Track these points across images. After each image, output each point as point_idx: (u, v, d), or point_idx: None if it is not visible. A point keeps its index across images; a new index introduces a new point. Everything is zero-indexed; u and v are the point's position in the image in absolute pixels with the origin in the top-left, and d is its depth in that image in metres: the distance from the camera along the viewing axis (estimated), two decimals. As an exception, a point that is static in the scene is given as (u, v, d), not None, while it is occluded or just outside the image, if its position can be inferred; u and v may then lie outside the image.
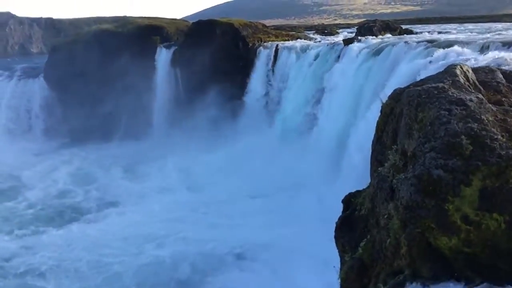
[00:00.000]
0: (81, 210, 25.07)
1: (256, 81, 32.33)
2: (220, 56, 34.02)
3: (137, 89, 35.27)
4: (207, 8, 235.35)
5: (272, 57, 31.91)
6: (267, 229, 20.23)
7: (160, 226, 21.75)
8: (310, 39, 37.59)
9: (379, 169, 6.31)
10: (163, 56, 37.45)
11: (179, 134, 32.28)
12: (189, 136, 31.17)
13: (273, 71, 31.47)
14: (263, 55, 32.81)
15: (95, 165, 31.89)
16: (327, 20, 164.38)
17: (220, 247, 19.35)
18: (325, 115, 25.40)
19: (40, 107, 38.48)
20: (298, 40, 35.73)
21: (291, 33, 41.02)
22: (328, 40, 34.42)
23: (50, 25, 60.96)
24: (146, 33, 39.44)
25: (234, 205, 23.35)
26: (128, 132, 33.69)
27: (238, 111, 31.84)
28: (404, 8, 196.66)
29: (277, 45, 32.49)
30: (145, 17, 53.87)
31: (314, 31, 48.23)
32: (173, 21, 49.77)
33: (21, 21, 59.98)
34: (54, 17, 67.63)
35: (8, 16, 59.99)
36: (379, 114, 7.70)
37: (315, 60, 28.52)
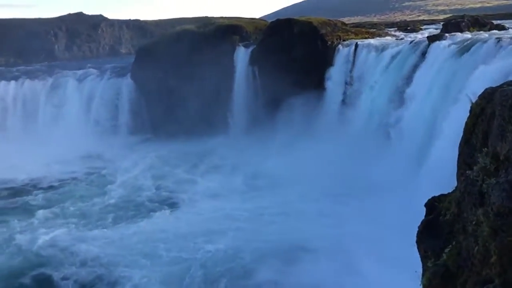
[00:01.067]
0: (154, 205, 26.30)
1: (335, 80, 31.92)
2: (298, 55, 34.00)
3: (216, 87, 36.29)
4: (286, 7, 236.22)
5: (351, 56, 31.33)
6: (337, 228, 20.08)
7: (227, 224, 22.38)
8: (392, 36, 36.43)
9: (467, 172, 5.99)
10: (241, 54, 38.12)
11: (256, 132, 32.77)
12: (265, 135, 31.55)
13: (352, 69, 30.89)
14: (342, 53, 32.30)
15: (174, 161, 33.29)
16: (410, 16, 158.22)
17: (286, 243, 19.53)
18: (406, 115, 24.52)
19: (126, 104, 40.89)
20: (379, 37, 34.78)
21: (371, 30, 39.98)
22: (410, 37, 33.11)
23: (138, 27, 64.51)
24: (226, 33, 40.38)
25: (305, 205, 23.31)
26: (207, 130, 34.75)
27: (315, 110, 31.63)
28: (496, 2, 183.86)
29: (356, 43, 31.85)
30: (225, 17, 55.28)
31: (395, 28, 46.59)
32: (252, 20, 50.60)
33: (111, 23, 63.98)
34: (141, 19, 71.44)
35: (100, 18, 64.31)
36: (468, 114, 7.31)
37: (396, 58, 27.60)
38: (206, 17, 64.23)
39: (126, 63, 44.20)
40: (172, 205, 26.01)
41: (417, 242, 6.74)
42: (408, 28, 45.04)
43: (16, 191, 29.51)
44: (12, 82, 42.47)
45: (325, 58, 33.08)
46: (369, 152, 25.33)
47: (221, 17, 55.93)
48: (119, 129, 40.50)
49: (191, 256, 19.61)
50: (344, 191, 23.76)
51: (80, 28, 56.08)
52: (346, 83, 31.08)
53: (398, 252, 12.81)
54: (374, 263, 16.40)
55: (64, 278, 18.76)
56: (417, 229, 6.84)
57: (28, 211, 26.10)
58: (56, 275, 18.94)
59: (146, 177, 30.86)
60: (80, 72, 43.86)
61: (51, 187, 29.99)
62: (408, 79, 25.24)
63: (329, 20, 37.95)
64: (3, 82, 42.38)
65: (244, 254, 19.33)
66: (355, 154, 25.84)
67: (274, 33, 36.61)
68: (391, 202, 20.20)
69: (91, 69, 44.18)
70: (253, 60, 36.76)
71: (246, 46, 38.79)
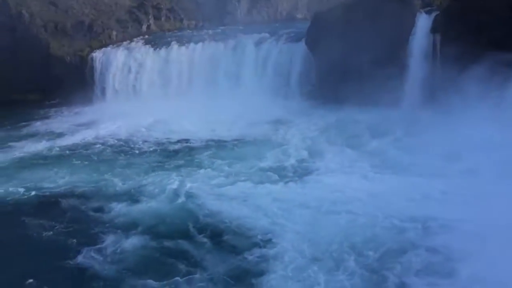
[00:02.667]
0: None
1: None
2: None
3: (391, 55, 34.69)
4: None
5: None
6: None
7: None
8: None
9: None
10: (422, 21, 35.58)
11: (435, 106, 30.65)
12: (447, 109, 29.22)
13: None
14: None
15: (341, 130, 33.33)
16: None
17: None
18: None
19: (299, 69, 41.85)
20: None
21: None
22: None
23: (314, -8, 64.64)
24: (405, -2, 37.94)
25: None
26: (379, 100, 33.57)
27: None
28: None
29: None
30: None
31: None
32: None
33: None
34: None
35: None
36: None
37: None
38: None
39: (301, 29, 44.81)
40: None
41: None
42: None
43: (192, 148, 32.97)
44: (200, 44, 46.69)
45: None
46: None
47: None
48: (291, 93, 41.80)
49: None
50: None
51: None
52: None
53: None
54: None
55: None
56: None
57: (198, 164, 29.29)
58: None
59: (311, 144, 31.57)
60: (257, 36, 45.96)
61: (222, 146, 32.72)
62: None
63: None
64: (191, 44, 46.89)
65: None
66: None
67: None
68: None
69: (267, 34, 45.94)
70: (435, 28, 33.98)
71: (428, 13, 36.04)
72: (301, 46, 42.21)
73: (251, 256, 18.72)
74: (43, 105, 47.73)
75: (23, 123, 41.59)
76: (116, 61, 48.31)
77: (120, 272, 18.25)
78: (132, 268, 18.47)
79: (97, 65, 48.93)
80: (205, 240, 20.25)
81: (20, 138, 37.02)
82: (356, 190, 23.49)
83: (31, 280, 17.94)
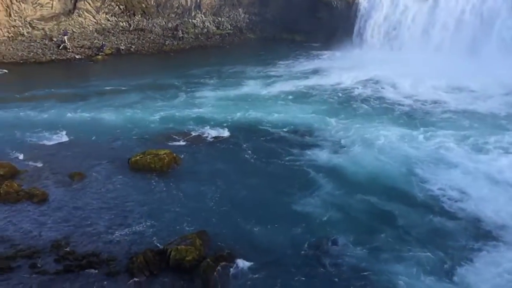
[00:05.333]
0: None
1: None
2: None
3: None
4: None
5: None
6: None
7: None
8: None
9: None
10: None
11: None
12: None
13: None
14: None
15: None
16: None
17: None
18: None
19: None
20: None
21: None
22: None
23: None
24: None
25: None
26: None
27: None
28: None
29: None
30: None
31: None
32: None
33: None
34: None
35: None
36: None
37: None
38: None
39: None
40: None
41: None
42: None
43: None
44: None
45: None
46: None
47: None
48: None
49: None
50: None
51: None
52: None
53: None
54: None
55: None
56: None
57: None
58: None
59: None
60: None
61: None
62: None
63: None
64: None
65: None
66: None
67: None
68: None
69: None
70: None
71: None
72: None
73: None
74: (306, 46, 51.94)
75: (289, 61, 46.42)
76: (380, 8, 48.50)
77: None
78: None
79: (361, 12, 50.07)
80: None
81: (284, 74, 41.62)
82: None
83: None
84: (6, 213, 18.74)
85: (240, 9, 59.05)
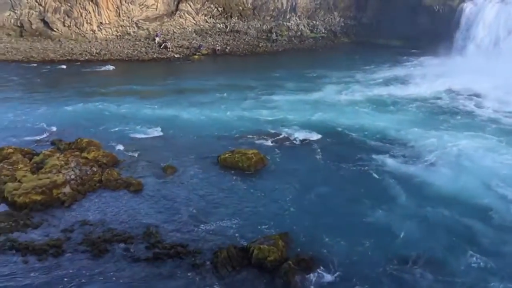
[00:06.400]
0: None
1: None
2: None
3: None
4: None
5: None
6: None
7: None
8: None
9: None
10: None
11: None
12: None
13: None
14: None
15: None
16: None
17: None
18: None
19: None
20: None
21: None
22: None
23: None
24: None
25: None
26: None
27: None
28: None
29: None
30: None
31: None
32: None
33: None
34: None
35: None
36: None
37: None
38: None
39: None
40: None
41: None
42: None
43: None
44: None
45: None
46: None
47: None
48: None
49: None
50: None
51: None
52: None
53: None
54: None
55: None
56: None
57: None
58: None
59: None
60: None
61: None
62: None
63: None
64: None
65: None
66: None
67: None
68: None
69: None
70: None
71: None
72: None
73: None
74: (402, 51, 50.17)
75: (380, 66, 45.15)
76: (486, 14, 45.40)
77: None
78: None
79: (465, 17, 47.25)
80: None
81: (376, 81, 40.56)
82: None
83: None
84: (106, 199, 20.24)
85: (335, 13, 58.56)
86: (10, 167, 21.94)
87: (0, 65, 45.34)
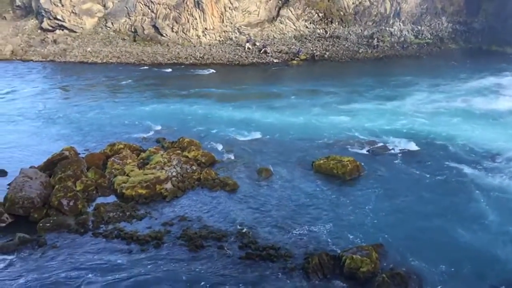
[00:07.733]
0: None
1: None
2: None
3: None
4: None
5: None
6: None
7: None
8: None
9: None
10: None
11: None
12: None
13: None
14: None
15: None
16: None
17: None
18: None
19: None
20: None
21: None
22: None
23: None
24: None
25: None
26: None
27: None
28: None
29: None
30: None
31: None
32: None
33: None
34: None
35: None
36: None
37: None
38: None
39: None
40: None
41: None
42: None
43: None
44: None
45: None
46: None
47: None
48: None
49: None
50: None
51: None
52: None
53: None
54: None
55: None
56: None
57: None
58: None
59: None
60: None
61: None
62: None
63: None
64: None
65: None
66: None
67: None
68: None
69: None
70: None
71: None
72: None
73: None
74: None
75: (490, 75, 42.14)
76: None
77: None
78: None
79: None
80: None
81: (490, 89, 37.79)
82: None
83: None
84: (204, 197, 21.12)
85: (443, 18, 55.60)
86: (120, 161, 23.81)
87: (114, 66, 49.52)
